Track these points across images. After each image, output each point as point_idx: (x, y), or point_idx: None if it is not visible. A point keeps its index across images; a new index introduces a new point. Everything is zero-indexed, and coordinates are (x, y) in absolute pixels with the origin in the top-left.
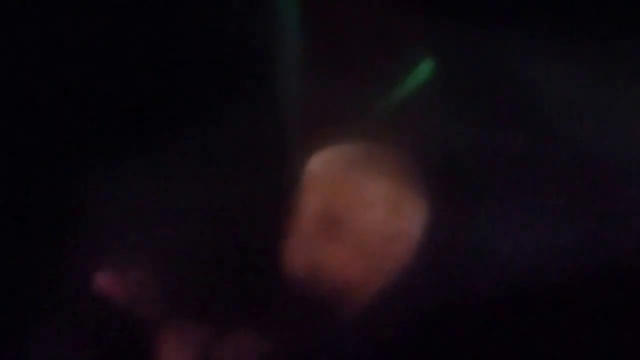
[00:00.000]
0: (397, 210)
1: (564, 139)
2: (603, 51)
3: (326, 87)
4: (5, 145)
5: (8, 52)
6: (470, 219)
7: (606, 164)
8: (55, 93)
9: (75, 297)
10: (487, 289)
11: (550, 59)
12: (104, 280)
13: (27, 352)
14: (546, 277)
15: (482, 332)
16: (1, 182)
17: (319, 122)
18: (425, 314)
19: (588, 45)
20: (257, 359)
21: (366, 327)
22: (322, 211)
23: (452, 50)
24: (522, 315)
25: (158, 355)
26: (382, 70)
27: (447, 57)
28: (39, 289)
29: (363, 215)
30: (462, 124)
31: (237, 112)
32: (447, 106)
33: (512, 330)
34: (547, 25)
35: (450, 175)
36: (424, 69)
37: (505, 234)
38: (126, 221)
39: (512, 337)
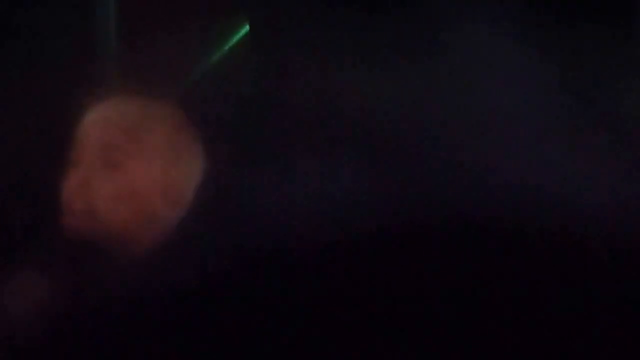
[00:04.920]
0: (172, 162)
1: (366, 97)
2: None
3: (144, 50)
4: None
5: None
6: (270, 172)
7: (408, 119)
8: None
9: None
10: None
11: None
12: None
13: None
14: (346, 230)
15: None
16: None
17: (138, 81)
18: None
19: None
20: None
21: (143, 270)
22: (98, 157)
23: (266, 11)
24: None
25: None
26: (199, 32)
27: (261, 18)
28: None
29: (137, 163)
30: (271, 82)
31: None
32: (258, 66)
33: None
34: None
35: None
36: (240, 31)
37: (306, 186)
38: None
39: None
